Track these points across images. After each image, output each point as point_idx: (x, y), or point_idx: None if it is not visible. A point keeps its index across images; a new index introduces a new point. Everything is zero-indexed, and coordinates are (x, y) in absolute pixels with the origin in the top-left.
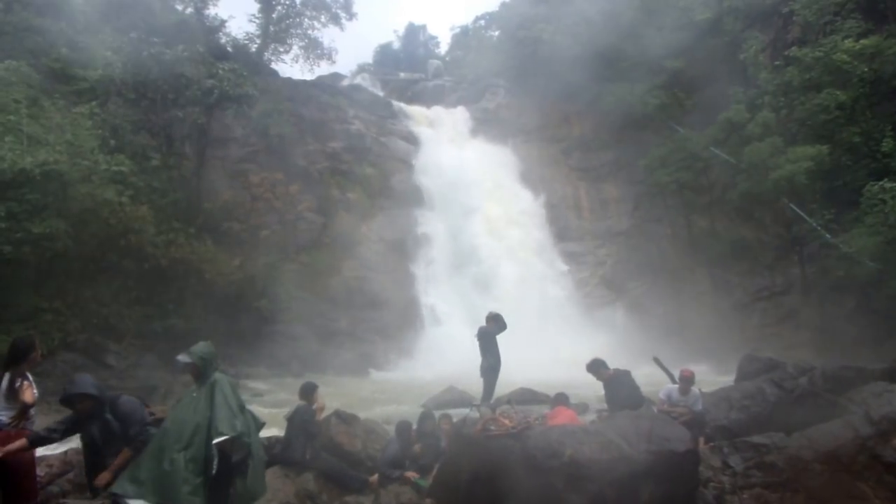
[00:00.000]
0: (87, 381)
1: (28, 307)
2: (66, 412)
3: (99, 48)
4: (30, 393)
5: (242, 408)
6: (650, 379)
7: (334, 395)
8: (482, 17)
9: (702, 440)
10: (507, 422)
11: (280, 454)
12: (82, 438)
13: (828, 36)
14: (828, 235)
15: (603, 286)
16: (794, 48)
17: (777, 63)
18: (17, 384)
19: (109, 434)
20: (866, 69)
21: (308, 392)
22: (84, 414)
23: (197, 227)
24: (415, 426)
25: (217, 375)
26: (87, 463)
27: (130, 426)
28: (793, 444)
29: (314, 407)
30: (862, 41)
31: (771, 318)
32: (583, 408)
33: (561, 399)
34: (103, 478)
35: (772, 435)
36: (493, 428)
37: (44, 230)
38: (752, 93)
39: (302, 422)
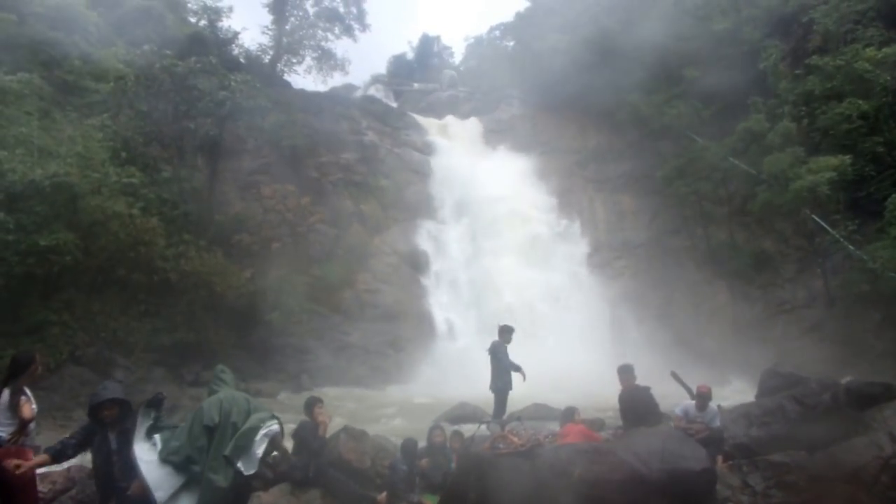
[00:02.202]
0: (116, 388)
1: (36, 320)
2: (74, 426)
3: (111, 60)
4: (28, 408)
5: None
6: (668, 392)
7: (345, 410)
8: (497, 27)
9: (720, 458)
10: (516, 440)
11: (283, 471)
12: (96, 447)
13: (849, 44)
14: (851, 247)
15: (620, 299)
16: (814, 57)
17: (797, 72)
18: (16, 400)
19: (125, 444)
20: (889, 78)
21: (310, 407)
22: (110, 420)
23: (207, 239)
24: (423, 443)
25: None
26: (100, 474)
27: None
28: (814, 463)
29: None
30: (884, 49)
31: (793, 332)
32: (598, 424)
33: (568, 415)
34: (137, 486)
35: (793, 453)
36: (501, 446)
37: (51, 242)
38: (772, 102)
39: (303, 438)
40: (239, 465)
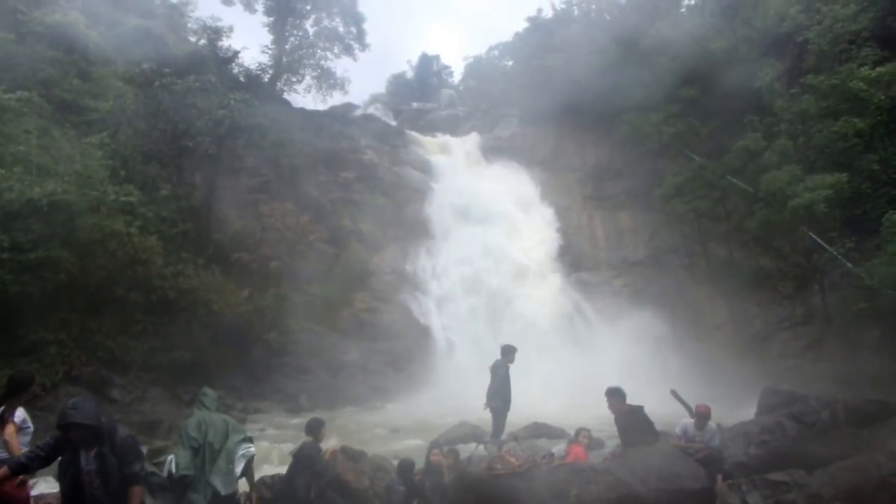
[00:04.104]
0: (88, 410)
1: (32, 340)
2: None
3: (111, 79)
4: (11, 427)
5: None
6: (666, 411)
7: (344, 430)
8: (496, 47)
9: (720, 478)
10: (512, 460)
11: (283, 492)
12: (62, 467)
13: (843, 64)
14: (849, 265)
15: (618, 317)
16: (809, 76)
17: (793, 91)
18: (6, 416)
19: (105, 468)
20: (883, 97)
21: (314, 428)
22: (78, 442)
23: (206, 257)
24: (421, 464)
25: None
26: (69, 499)
27: (132, 463)
28: (814, 481)
29: (321, 444)
30: (878, 69)
31: (792, 350)
32: (598, 444)
33: (574, 435)
34: None
35: (792, 472)
36: (499, 466)
37: (41, 255)
38: (769, 121)
39: (307, 458)
40: (216, 484)
